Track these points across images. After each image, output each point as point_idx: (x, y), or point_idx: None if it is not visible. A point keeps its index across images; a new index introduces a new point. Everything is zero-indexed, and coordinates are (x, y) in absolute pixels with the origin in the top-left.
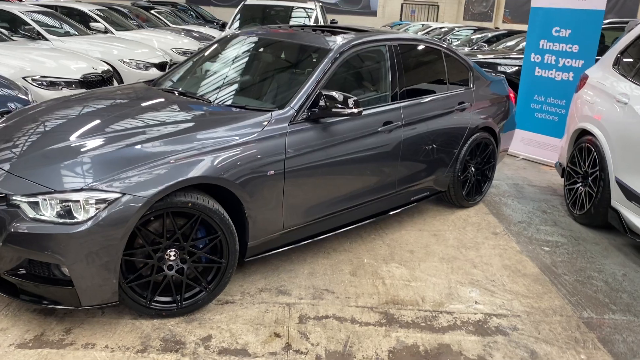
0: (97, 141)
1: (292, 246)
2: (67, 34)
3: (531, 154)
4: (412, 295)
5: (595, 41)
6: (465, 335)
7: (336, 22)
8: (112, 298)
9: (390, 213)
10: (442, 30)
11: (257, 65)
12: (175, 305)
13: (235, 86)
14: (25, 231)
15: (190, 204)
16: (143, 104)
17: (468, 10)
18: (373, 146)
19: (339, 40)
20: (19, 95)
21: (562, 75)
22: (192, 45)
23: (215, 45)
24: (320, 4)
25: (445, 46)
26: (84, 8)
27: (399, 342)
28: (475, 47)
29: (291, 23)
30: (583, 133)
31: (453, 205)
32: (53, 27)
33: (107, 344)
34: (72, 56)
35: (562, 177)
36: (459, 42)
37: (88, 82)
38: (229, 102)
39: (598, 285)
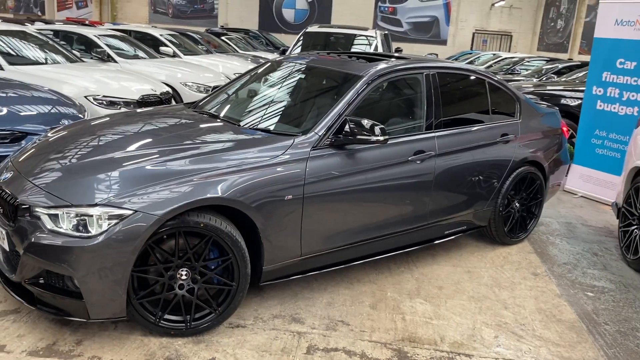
0: (121, 158)
1: (312, 273)
2: (136, 57)
3: (590, 191)
4: (432, 333)
5: None
6: None
7: (401, 51)
8: (121, 313)
9: (421, 246)
10: (512, 60)
11: (290, 90)
12: (184, 325)
13: (265, 110)
14: (43, 242)
15: (202, 225)
16: (174, 125)
17: (543, 40)
18: (402, 176)
19: (371, 67)
20: (73, 112)
21: (625, 110)
22: None
23: (254, 71)
24: (386, 32)
25: (489, 76)
26: (156, 33)
27: None
28: (544, 78)
29: (352, 50)
30: None
31: (494, 241)
32: (123, 50)
33: (112, 358)
34: (135, 78)
35: (617, 218)
36: (527, 72)
37: (146, 103)
38: (257, 126)
39: None
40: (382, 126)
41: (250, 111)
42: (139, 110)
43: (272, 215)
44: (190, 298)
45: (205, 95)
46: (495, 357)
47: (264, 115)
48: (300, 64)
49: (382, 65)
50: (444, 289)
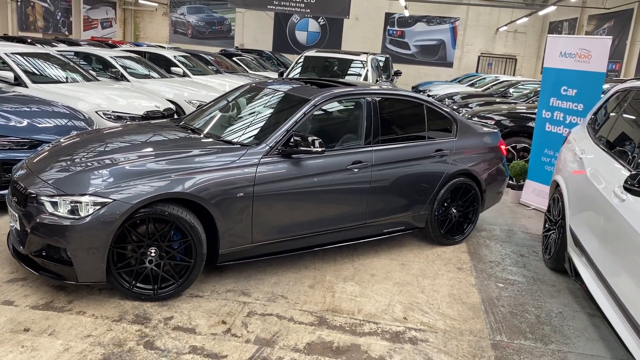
0: (112, 159)
1: (264, 259)
2: (148, 76)
3: (541, 204)
4: (352, 307)
5: (597, 100)
6: (378, 341)
7: (400, 73)
8: (102, 279)
9: (363, 241)
10: (509, 83)
11: (254, 109)
12: (152, 292)
13: (233, 125)
14: (45, 222)
15: (167, 213)
16: (159, 136)
17: None
18: (341, 181)
19: (319, 92)
20: (83, 125)
21: (569, 130)
22: None
23: (231, 93)
24: (387, 55)
25: (428, 101)
26: (169, 54)
27: (319, 338)
28: (529, 101)
29: (349, 72)
30: (557, 184)
31: (433, 242)
32: (136, 70)
33: (93, 313)
34: (143, 96)
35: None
36: (517, 95)
37: (149, 118)
38: (223, 138)
39: (528, 318)
40: (320, 140)
41: (220, 126)
42: (135, 123)
43: (226, 208)
44: (157, 271)
45: (189, 112)
46: (398, 325)
47: (231, 129)
48: (267, 87)
49: (327, 92)
50: (375, 276)
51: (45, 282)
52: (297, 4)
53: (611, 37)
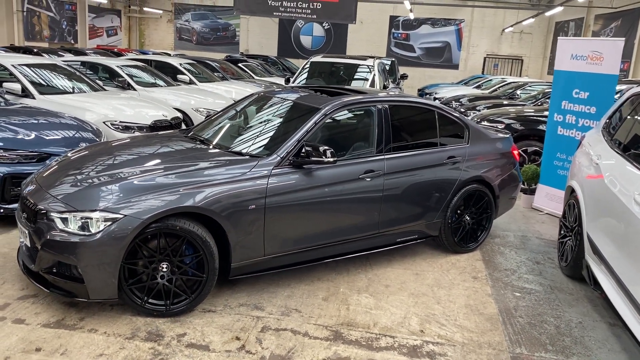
0: (122, 174)
1: (276, 271)
2: (155, 85)
3: (554, 209)
4: (368, 320)
5: (610, 103)
6: (395, 355)
7: (406, 77)
8: (113, 295)
9: (377, 251)
10: (516, 84)
11: (263, 119)
12: (164, 307)
13: (242, 136)
14: (56, 239)
15: (178, 227)
16: (168, 147)
17: (553, 64)
18: (353, 191)
19: (329, 101)
20: (91, 136)
21: (582, 134)
22: None
23: (240, 102)
24: (392, 59)
25: (439, 107)
26: (175, 62)
27: (335, 354)
28: (537, 103)
29: (356, 77)
30: (573, 190)
31: (447, 250)
32: (142, 78)
33: (105, 331)
34: (149, 105)
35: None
36: (525, 97)
37: (157, 128)
38: (233, 149)
39: (547, 329)
40: (332, 150)
41: (229, 137)
42: (143, 135)
43: (238, 221)
44: (169, 286)
45: (197, 124)
46: (415, 339)
47: (240, 139)
48: (276, 96)
49: (338, 100)
50: (390, 287)
51: (57, 298)
52: (304, 10)
53: (623, 39)
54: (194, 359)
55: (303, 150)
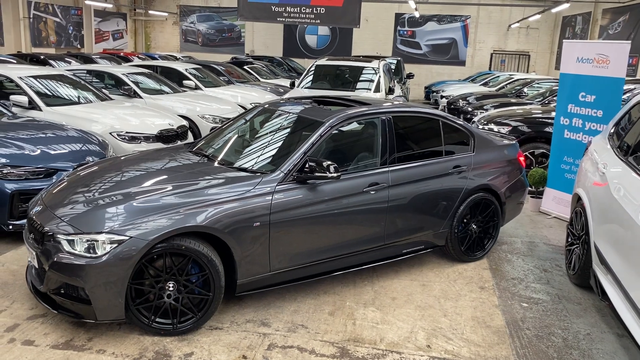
0: (125, 195)
1: (283, 286)
2: (161, 91)
3: (562, 213)
4: (374, 335)
5: (617, 107)
6: None
7: (412, 76)
8: (121, 316)
9: (384, 262)
10: (523, 81)
11: (266, 133)
12: (171, 326)
13: (244, 152)
14: (63, 261)
15: (183, 247)
16: (172, 164)
17: (560, 59)
18: (358, 204)
19: (332, 114)
20: (97, 149)
21: (588, 139)
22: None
23: (243, 116)
24: (398, 58)
25: (444, 116)
26: (180, 68)
27: None
28: (545, 101)
29: (361, 79)
30: (579, 197)
31: (454, 259)
32: (148, 85)
33: (114, 351)
34: (155, 114)
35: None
36: (532, 95)
37: (164, 137)
38: (236, 166)
39: (555, 341)
40: (335, 165)
41: (233, 151)
42: (149, 150)
43: (243, 239)
44: (176, 305)
45: (201, 137)
46: (421, 355)
47: (244, 155)
48: (279, 109)
49: (341, 113)
50: (396, 299)
51: (65, 318)
52: (307, 15)
53: (629, 42)
54: None
55: (307, 166)
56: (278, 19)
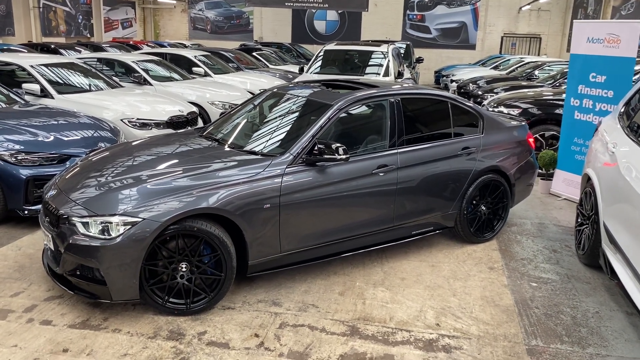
0: (140, 177)
1: (293, 267)
2: (170, 79)
3: (572, 194)
4: (384, 314)
5: (628, 87)
6: (412, 350)
7: (422, 60)
8: (135, 296)
9: (393, 244)
10: (534, 64)
11: (275, 116)
12: (185, 306)
13: (254, 135)
14: (78, 243)
15: (195, 229)
16: (183, 148)
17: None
18: (367, 186)
19: (341, 97)
20: (109, 135)
21: (598, 119)
22: None
23: (252, 100)
24: (408, 42)
25: (453, 98)
26: (190, 55)
27: (352, 349)
28: (556, 83)
29: (370, 63)
30: (589, 177)
31: (463, 240)
32: (158, 72)
33: (129, 330)
34: (165, 100)
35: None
36: (543, 78)
37: (174, 124)
38: (246, 149)
39: (564, 320)
40: (344, 147)
41: (243, 135)
42: (160, 135)
43: (253, 220)
44: (189, 285)
45: (211, 122)
46: (430, 332)
47: (254, 138)
48: (288, 93)
49: (350, 96)
50: (406, 279)
51: (81, 299)
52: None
53: None
54: (215, 357)
55: (315, 148)
56: (286, 4)
